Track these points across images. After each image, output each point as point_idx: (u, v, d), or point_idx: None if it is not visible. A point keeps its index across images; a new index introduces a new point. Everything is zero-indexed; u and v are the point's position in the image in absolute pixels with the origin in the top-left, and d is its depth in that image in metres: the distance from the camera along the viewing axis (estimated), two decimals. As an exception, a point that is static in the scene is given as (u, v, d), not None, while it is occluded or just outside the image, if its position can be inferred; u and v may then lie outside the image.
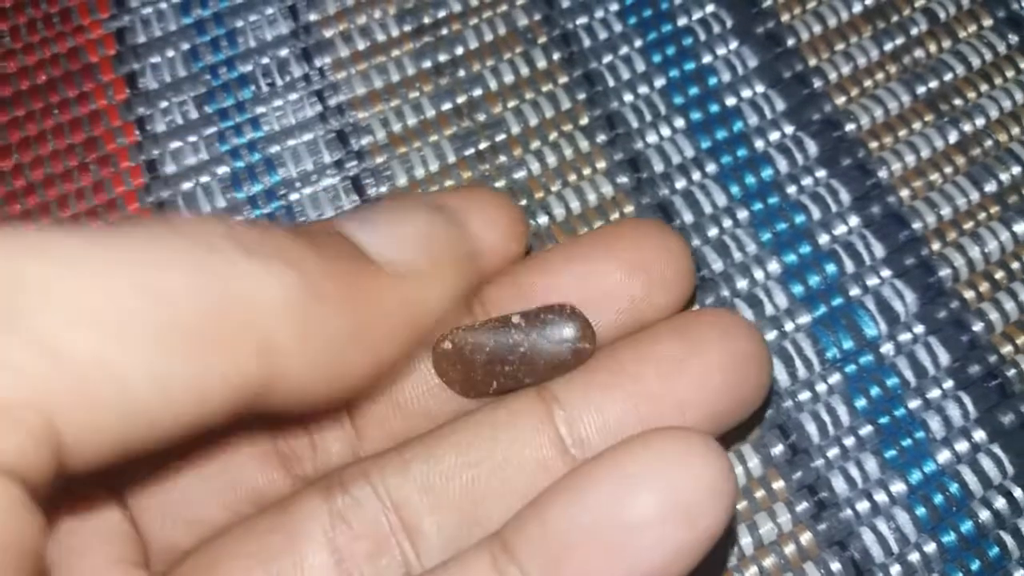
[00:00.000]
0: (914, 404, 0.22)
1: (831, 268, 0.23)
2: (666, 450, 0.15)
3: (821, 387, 0.22)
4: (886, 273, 0.23)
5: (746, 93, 0.25)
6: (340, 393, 0.14)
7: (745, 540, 0.21)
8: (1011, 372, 0.22)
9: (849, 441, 0.21)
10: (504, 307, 0.18)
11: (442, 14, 0.26)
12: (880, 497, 0.21)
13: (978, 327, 0.22)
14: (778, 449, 0.21)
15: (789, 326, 0.22)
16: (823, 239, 0.23)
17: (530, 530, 0.15)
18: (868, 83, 0.25)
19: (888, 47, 0.25)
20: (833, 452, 0.21)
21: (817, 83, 0.25)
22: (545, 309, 0.18)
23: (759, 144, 0.24)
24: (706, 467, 0.14)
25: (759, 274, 0.23)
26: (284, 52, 0.26)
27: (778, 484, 0.21)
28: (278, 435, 0.18)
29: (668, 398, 0.17)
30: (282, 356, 0.13)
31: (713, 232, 0.23)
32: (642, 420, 0.17)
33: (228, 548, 0.17)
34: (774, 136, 0.24)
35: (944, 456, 0.21)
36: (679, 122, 0.25)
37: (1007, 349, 0.22)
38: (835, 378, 0.22)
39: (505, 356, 0.18)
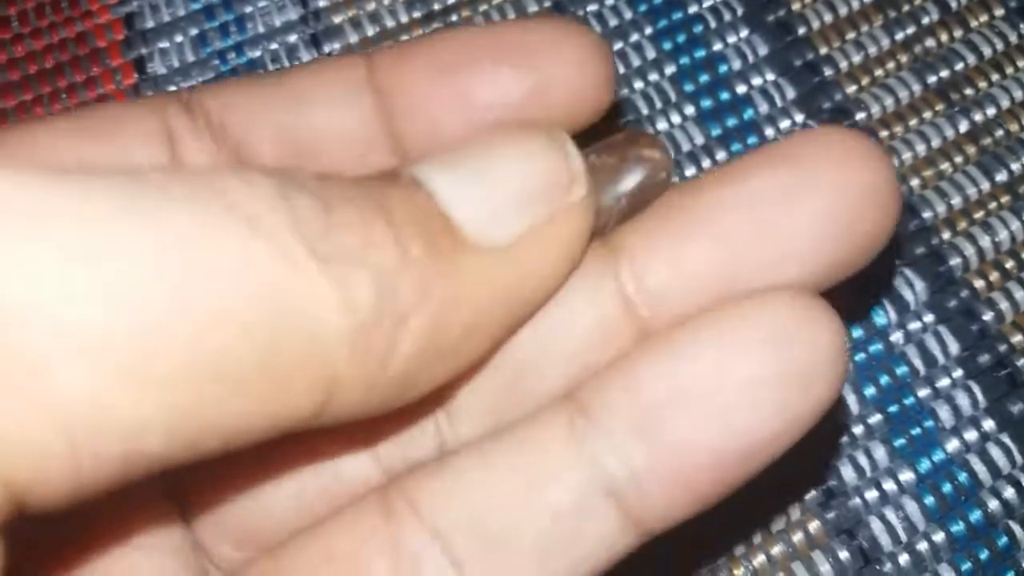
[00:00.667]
0: (923, 393, 0.22)
1: (841, 257, 0.23)
2: (777, 314, 0.12)
3: (830, 375, 0.22)
4: (896, 262, 0.23)
5: (757, 81, 0.25)
6: (405, 403, 0.12)
7: (753, 528, 0.21)
8: (1021, 361, 0.22)
9: (858, 429, 0.21)
10: None
11: (452, 0, 0.26)
12: (889, 486, 0.21)
13: (988, 316, 0.22)
14: (787, 437, 0.21)
15: (798, 314, 0.22)
16: (833, 228, 0.23)
17: (614, 393, 0.13)
18: (879, 72, 0.25)
19: (899, 36, 0.25)
20: (842, 440, 0.21)
21: (828, 72, 0.25)
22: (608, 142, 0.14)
23: (770, 132, 0.24)
24: (822, 331, 0.12)
25: (769, 262, 0.23)
26: (293, 38, 0.26)
27: (786, 472, 0.21)
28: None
29: (763, 248, 0.13)
30: (343, 389, 0.10)
31: (723, 220, 0.23)
32: (732, 275, 0.13)
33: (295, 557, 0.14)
34: (785, 124, 0.24)
35: (953, 445, 0.21)
36: (689, 110, 0.25)
37: (1017, 338, 0.22)
38: (844, 367, 0.22)
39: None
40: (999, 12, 0.25)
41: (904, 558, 0.20)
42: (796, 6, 0.26)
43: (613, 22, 0.26)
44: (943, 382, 0.22)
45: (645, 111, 0.25)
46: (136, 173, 0.09)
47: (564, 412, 0.13)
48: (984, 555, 0.20)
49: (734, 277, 0.13)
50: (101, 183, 0.09)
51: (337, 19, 0.26)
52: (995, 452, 0.21)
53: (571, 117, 0.14)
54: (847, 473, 0.21)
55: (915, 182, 0.23)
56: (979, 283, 0.22)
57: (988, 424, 0.21)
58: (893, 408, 0.21)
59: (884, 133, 0.24)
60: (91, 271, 0.09)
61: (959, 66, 0.25)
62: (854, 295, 0.22)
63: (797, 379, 0.12)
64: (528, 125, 0.13)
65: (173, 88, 0.26)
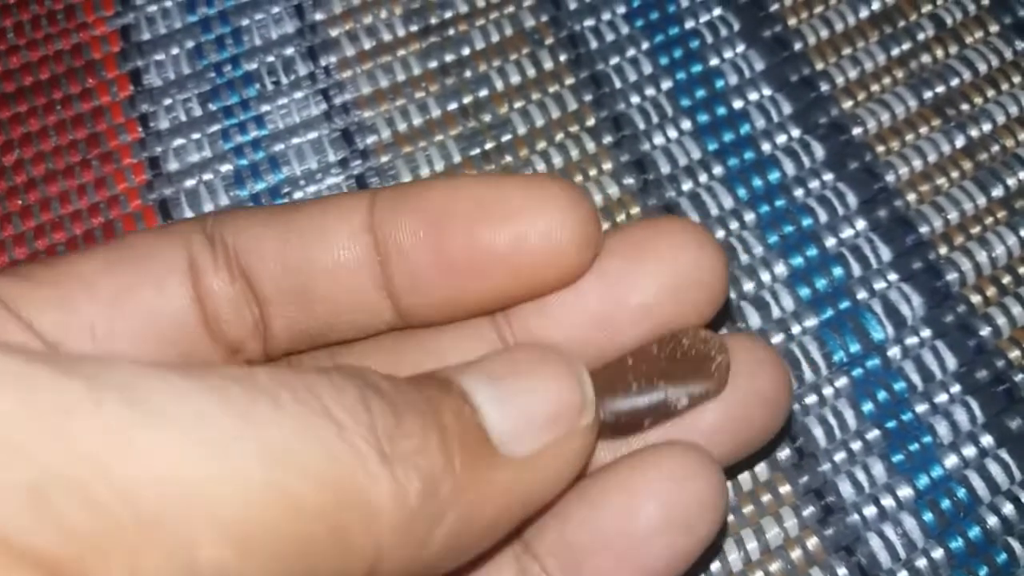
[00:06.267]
0: (921, 408, 0.21)
1: (838, 271, 0.23)
2: (669, 467, 0.16)
3: (828, 391, 0.22)
4: (893, 277, 0.23)
5: (753, 96, 0.25)
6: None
7: (751, 545, 0.20)
8: (1018, 377, 0.22)
9: (856, 445, 0.21)
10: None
11: (448, 14, 0.26)
12: (887, 502, 0.21)
13: (985, 332, 0.22)
14: (785, 453, 0.21)
15: (796, 329, 0.22)
16: (830, 242, 0.23)
17: (549, 535, 0.16)
18: (875, 87, 0.25)
19: (895, 52, 0.25)
20: (840, 456, 0.21)
21: (824, 87, 0.25)
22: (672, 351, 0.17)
23: (766, 147, 0.24)
24: (703, 483, 0.16)
25: (766, 277, 0.23)
26: (290, 51, 0.26)
27: (784, 488, 0.21)
28: None
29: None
30: (386, 563, 0.12)
31: (720, 234, 0.23)
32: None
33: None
34: (781, 139, 0.24)
35: (951, 461, 0.21)
36: (686, 124, 0.25)
37: (1014, 354, 0.22)
38: (842, 382, 0.22)
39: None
40: (994, 28, 0.25)
41: (903, 575, 0.20)
42: (792, 21, 0.26)
43: (610, 37, 0.26)
44: (941, 398, 0.22)
45: (642, 126, 0.25)
46: (249, 378, 0.12)
47: (511, 549, 0.16)
48: (983, 572, 0.20)
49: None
50: (226, 384, 0.11)
51: (334, 32, 0.26)
52: (994, 468, 0.21)
53: (553, 269, 0.17)
54: (845, 489, 0.21)
55: (911, 197, 0.23)
56: (976, 298, 0.22)
57: (986, 440, 0.21)
58: (891, 424, 0.21)
59: (880, 148, 0.24)
60: (221, 462, 0.11)
61: (955, 82, 0.25)
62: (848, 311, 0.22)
63: (684, 526, 0.16)
64: (553, 353, 0.15)
65: (169, 101, 0.26)
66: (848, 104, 0.25)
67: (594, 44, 0.26)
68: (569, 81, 0.25)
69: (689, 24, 0.26)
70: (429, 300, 0.17)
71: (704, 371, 0.17)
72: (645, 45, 0.26)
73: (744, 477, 0.21)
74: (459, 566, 0.14)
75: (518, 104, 0.25)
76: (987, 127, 0.24)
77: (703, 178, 0.24)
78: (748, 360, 0.17)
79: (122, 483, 0.10)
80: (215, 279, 0.17)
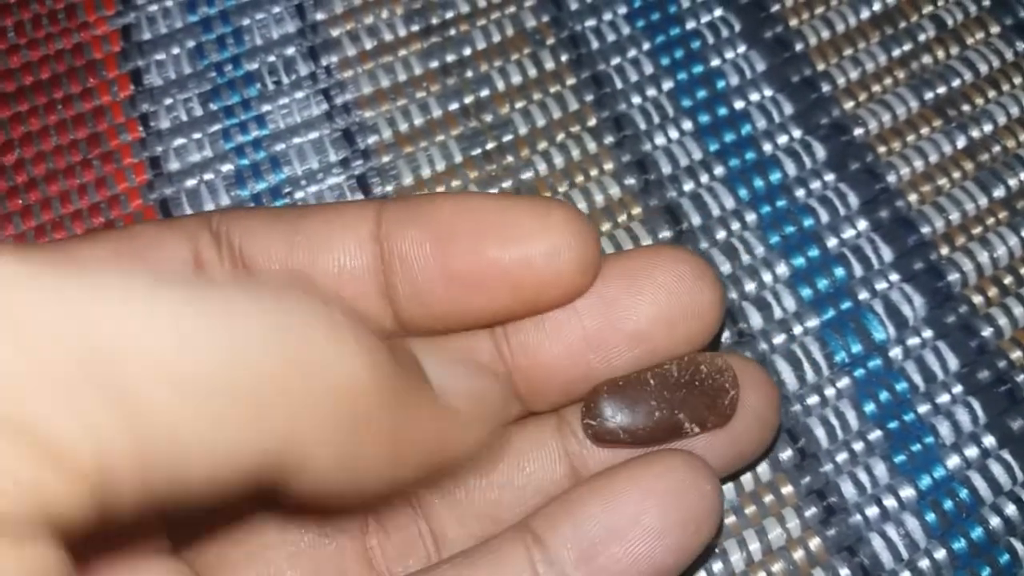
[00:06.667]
0: (923, 409, 0.21)
1: (839, 272, 0.23)
2: (673, 475, 0.17)
3: (830, 391, 0.22)
4: (895, 277, 0.23)
5: (754, 97, 0.25)
6: (350, 496, 0.14)
7: (754, 545, 0.20)
8: (1020, 377, 0.22)
9: (858, 446, 0.21)
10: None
11: (450, 15, 0.26)
12: (889, 502, 0.21)
13: (987, 332, 0.22)
14: (787, 454, 0.21)
15: (798, 329, 0.22)
16: (831, 243, 0.23)
17: (563, 528, 0.17)
18: (876, 88, 0.25)
19: (896, 53, 0.25)
20: (842, 457, 0.21)
21: (825, 88, 0.25)
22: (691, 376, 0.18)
23: (767, 147, 0.24)
24: (700, 491, 0.17)
25: (767, 277, 0.23)
26: (291, 50, 0.26)
27: (787, 489, 0.21)
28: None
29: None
30: (317, 445, 0.13)
31: (721, 235, 0.23)
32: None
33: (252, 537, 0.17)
34: (782, 140, 0.24)
35: (954, 461, 0.21)
36: (687, 125, 0.25)
37: (1016, 354, 0.22)
38: (844, 382, 0.22)
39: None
40: (995, 29, 0.25)
41: (905, 575, 0.20)
42: (794, 22, 0.26)
43: (611, 38, 0.26)
44: (943, 398, 0.22)
45: (643, 126, 0.25)
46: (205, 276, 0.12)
47: (520, 540, 0.17)
48: (985, 572, 0.20)
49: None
50: (179, 278, 0.12)
51: (335, 32, 0.26)
52: (996, 468, 0.21)
53: (554, 289, 0.17)
54: (847, 490, 0.21)
55: (913, 198, 0.23)
56: (978, 299, 0.22)
57: (989, 440, 0.21)
58: (893, 424, 0.21)
59: (881, 149, 0.24)
60: (165, 315, 0.11)
61: (956, 83, 0.25)
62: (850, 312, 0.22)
63: (691, 526, 0.17)
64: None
65: (170, 100, 0.26)
66: (849, 104, 0.25)
67: (595, 44, 0.26)
68: (570, 81, 0.25)
69: (690, 25, 0.26)
70: (430, 311, 0.17)
71: (718, 404, 0.18)
72: (646, 45, 0.26)
73: (746, 478, 0.21)
74: (376, 489, 0.15)
75: (519, 104, 0.25)
76: (988, 128, 0.24)
77: (704, 178, 0.24)
78: (742, 380, 0.18)
79: (57, 325, 0.10)
80: (219, 275, 0.17)
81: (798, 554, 0.20)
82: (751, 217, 0.23)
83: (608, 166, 0.24)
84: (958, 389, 0.22)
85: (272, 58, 0.26)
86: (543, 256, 0.17)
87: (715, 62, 0.25)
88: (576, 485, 0.18)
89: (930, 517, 0.20)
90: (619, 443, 0.18)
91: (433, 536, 0.18)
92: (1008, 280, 0.23)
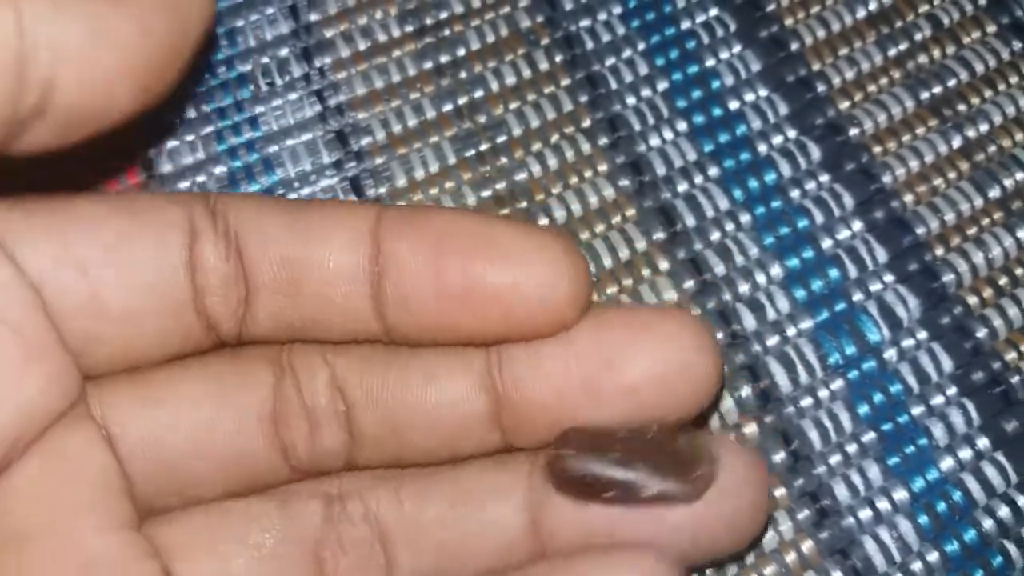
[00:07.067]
0: (917, 411, 0.21)
1: (834, 273, 0.23)
2: (633, 566, 0.17)
3: (823, 393, 0.22)
4: (889, 278, 0.23)
5: (749, 97, 0.25)
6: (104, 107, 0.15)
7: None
8: (1015, 379, 0.22)
9: (851, 448, 0.21)
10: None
11: (444, 15, 0.26)
12: (883, 505, 0.21)
13: (982, 333, 0.22)
14: (779, 456, 0.21)
15: (791, 331, 0.22)
16: (826, 243, 0.23)
17: None
18: (872, 88, 0.25)
19: (892, 52, 0.25)
20: (835, 459, 0.21)
21: (820, 88, 0.25)
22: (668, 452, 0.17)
23: (762, 148, 0.24)
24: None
25: (761, 278, 0.23)
26: (284, 52, 0.26)
27: (779, 491, 0.21)
28: (281, 422, 0.18)
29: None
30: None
31: (715, 236, 0.23)
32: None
33: (219, 528, 0.17)
34: (777, 140, 0.24)
35: (947, 463, 0.21)
36: (681, 125, 0.25)
37: (1011, 356, 0.22)
38: (837, 384, 0.22)
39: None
40: (991, 29, 0.25)
41: (898, 578, 0.20)
42: (789, 22, 0.26)
43: (606, 38, 0.26)
44: (937, 400, 0.21)
45: (638, 127, 0.25)
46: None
47: None
48: (979, 575, 0.20)
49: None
50: None
51: (329, 33, 0.26)
52: (990, 471, 0.21)
53: (541, 317, 0.17)
54: (840, 492, 0.21)
55: (908, 198, 0.23)
56: (972, 300, 0.22)
57: (983, 442, 0.21)
58: (887, 426, 0.21)
59: (877, 149, 0.24)
60: None
61: (952, 82, 0.25)
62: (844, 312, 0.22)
63: None
64: None
65: (162, 103, 0.26)
66: (845, 105, 0.25)
67: (590, 45, 0.26)
68: (565, 82, 0.25)
69: (685, 25, 0.26)
70: (416, 320, 0.17)
71: (685, 474, 0.17)
72: (641, 46, 0.26)
73: (739, 480, 0.21)
74: None
75: (513, 105, 0.25)
76: (984, 128, 0.24)
77: (699, 179, 0.24)
78: (733, 474, 0.17)
79: None
80: (212, 251, 0.17)
81: (791, 557, 0.20)
82: (745, 218, 0.23)
83: (602, 167, 0.24)
84: (952, 391, 0.22)
85: (265, 59, 0.26)
86: (534, 283, 0.17)
87: (710, 62, 0.25)
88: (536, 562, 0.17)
89: (923, 520, 0.20)
90: (574, 490, 0.17)
91: (387, 561, 0.18)
92: (1003, 281, 0.22)
